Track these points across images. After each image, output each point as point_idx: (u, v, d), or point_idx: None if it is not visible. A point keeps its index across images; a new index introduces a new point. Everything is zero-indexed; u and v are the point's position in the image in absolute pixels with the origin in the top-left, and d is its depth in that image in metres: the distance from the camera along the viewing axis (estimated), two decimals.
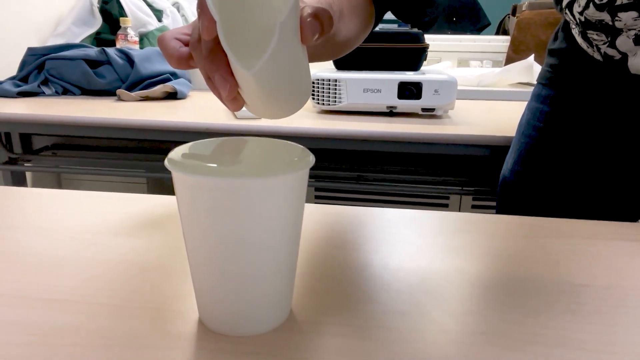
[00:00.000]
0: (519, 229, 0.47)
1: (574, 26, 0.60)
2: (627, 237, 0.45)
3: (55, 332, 0.30)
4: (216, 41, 0.29)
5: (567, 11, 0.57)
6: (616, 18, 0.51)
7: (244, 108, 0.34)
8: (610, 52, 0.56)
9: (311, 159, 0.29)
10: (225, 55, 0.29)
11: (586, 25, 0.56)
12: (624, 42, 0.54)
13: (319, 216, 0.49)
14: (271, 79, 0.29)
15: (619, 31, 0.53)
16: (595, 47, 0.58)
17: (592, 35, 0.56)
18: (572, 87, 0.63)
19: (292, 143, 0.31)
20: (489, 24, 2.24)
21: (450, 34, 1.89)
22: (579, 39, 0.60)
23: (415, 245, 0.43)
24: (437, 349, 0.29)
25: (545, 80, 0.68)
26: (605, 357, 0.28)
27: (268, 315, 0.30)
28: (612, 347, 0.29)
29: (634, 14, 0.49)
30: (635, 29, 0.51)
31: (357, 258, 0.40)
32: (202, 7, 0.27)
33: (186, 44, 0.34)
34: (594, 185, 0.63)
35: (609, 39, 0.55)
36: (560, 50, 0.66)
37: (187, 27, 0.36)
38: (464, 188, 1.14)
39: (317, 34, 0.30)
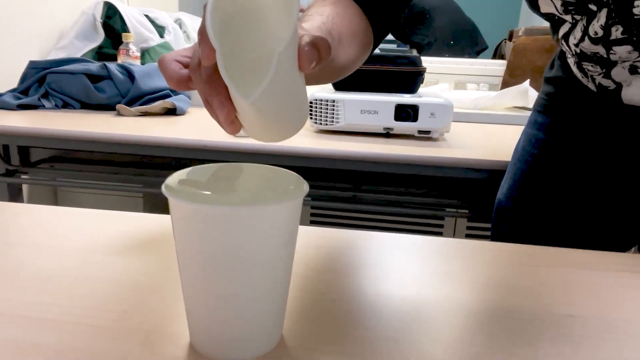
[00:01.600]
0: (511, 257, 0.47)
1: (569, 56, 0.62)
2: (617, 267, 0.46)
3: (42, 352, 0.30)
4: (215, 67, 0.30)
5: (563, 42, 0.59)
6: (611, 51, 0.52)
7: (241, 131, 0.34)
8: (605, 82, 0.57)
9: (305, 187, 0.29)
10: (224, 85, 0.30)
11: (582, 57, 0.57)
12: (619, 72, 0.55)
13: (312, 239, 0.49)
14: (269, 108, 0.30)
15: (614, 63, 0.54)
16: (589, 78, 0.59)
17: (587, 66, 0.58)
18: (567, 116, 0.64)
19: (288, 171, 0.32)
20: (487, 48, 2.28)
21: (448, 56, 1.92)
22: (574, 69, 0.61)
23: (407, 271, 0.43)
24: None
25: (541, 108, 0.69)
26: None
27: (259, 340, 0.30)
28: None
29: (628, 47, 0.51)
30: (630, 61, 0.53)
31: (349, 283, 0.40)
32: (202, 34, 0.28)
33: (186, 66, 0.35)
34: (588, 214, 0.64)
35: (604, 70, 0.56)
36: (557, 78, 0.67)
37: (187, 50, 0.37)
38: (458, 210, 1.15)
39: (315, 63, 0.30)
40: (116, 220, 0.52)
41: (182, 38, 1.80)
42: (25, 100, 1.13)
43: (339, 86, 1.13)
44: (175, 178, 0.29)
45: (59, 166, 1.33)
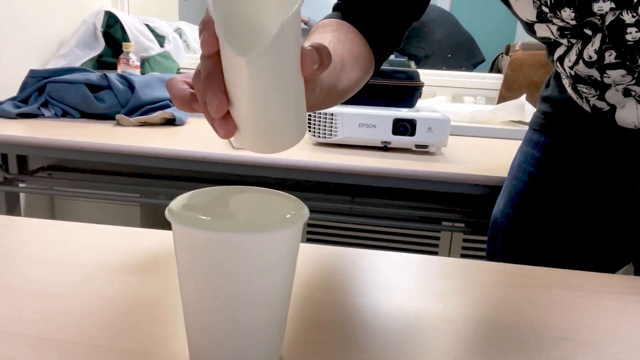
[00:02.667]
0: (506, 278, 0.48)
1: (564, 77, 0.63)
2: (611, 289, 0.47)
3: None
4: (215, 64, 0.30)
5: (558, 64, 0.60)
6: (605, 75, 0.53)
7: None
8: (599, 104, 0.58)
9: (305, 212, 0.30)
10: (221, 75, 0.30)
11: (576, 79, 0.58)
12: (613, 95, 0.56)
13: (310, 257, 0.50)
14: (265, 81, 0.28)
15: (608, 86, 0.55)
16: (584, 99, 0.60)
17: (582, 88, 0.59)
18: (564, 135, 0.65)
19: (289, 195, 0.32)
20: (484, 60, 2.30)
21: (446, 69, 1.94)
22: (569, 90, 0.63)
23: (404, 291, 0.44)
24: None
25: (538, 127, 0.70)
26: None
27: None
28: None
29: (622, 71, 0.52)
30: (623, 84, 0.54)
31: (347, 302, 0.41)
32: (204, 24, 0.29)
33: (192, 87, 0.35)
34: (583, 233, 0.64)
35: (598, 93, 0.57)
36: (552, 98, 0.68)
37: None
38: (454, 225, 1.16)
39: (317, 65, 0.31)
40: (117, 236, 0.52)
41: (182, 47, 1.81)
42: (24, 109, 1.14)
43: None
44: (178, 202, 0.29)
45: (56, 175, 1.34)
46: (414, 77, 1.09)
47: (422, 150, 1.02)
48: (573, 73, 0.57)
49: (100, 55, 1.55)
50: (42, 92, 1.18)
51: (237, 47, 0.27)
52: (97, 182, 1.24)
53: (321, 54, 0.31)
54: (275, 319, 0.30)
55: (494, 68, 1.86)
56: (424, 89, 1.22)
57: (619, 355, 0.36)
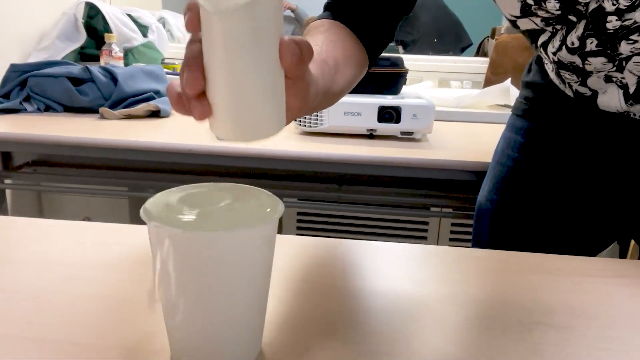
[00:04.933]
0: (494, 264, 0.49)
1: (547, 62, 0.63)
2: (590, 272, 0.48)
3: None
4: (198, 49, 0.30)
5: (541, 50, 0.60)
6: (586, 62, 0.54)
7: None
8: (582, 89, 0.59)
9: (280, 208, 0.30)
10: (201, 57, 0.30)
11: (559, 65, 0.59)
12: (595, 81, 0.57)
13: (294, 249, 0.50)
14: (238, 45, 0.28)
15: (590, 73, 0.56)
16: (567, 84, 0.61)
17: (565, 74, 0.59)
18: (546, 120, 0.66)
19: (264, 191, 0.32)
20: (471, 44, 2.29)
21: (432, 54, 1.94)
22: (552, 75, 0.63)
23: (387, 279, 0.44)
24: None
25: (521, 112, 0.70)
26: None
27: (238, 355, 0.31)
28: None
29: (602, 59, 0.52)
30: (604, 71, 0.54)
31: (329, 293, 0.42)
32: (189, 5, 0.29)
33: None
34: (567, 217, 0.66)
35: (580, 79, 0.58)
36: (534, 83, 0.68)
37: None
38: (442, 210, 1.17)
39: (297, 58, 0.31)
40: (101, 232, 0.52)
41: (165, 37, 1.79)
42: (6, 105, 1.12)
43: None
44: (154, 200, 0.30)
45: (42, 170, 1.33)
46: (398, 63, 1.09)
47: (407, 137, 1.03)
48: (556, 59, 0.58)
49: (82, 47, 1.53)
50: (23, 87, 1.16)
51: None
52: (84, 177, 1.23)
53: (301, 48, 0.31)
54: (255, 312, 0.31)
55: (480, 52, 1.86)
56: (410, 74, 1.22)
57: (610, 338, 0.37)
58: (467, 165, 0.90)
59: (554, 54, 0.57)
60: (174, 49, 1.83)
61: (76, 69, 1.16)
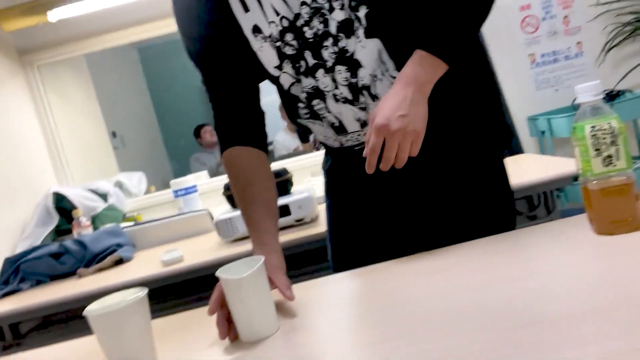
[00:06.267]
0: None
1: (302, 107, 0.79)
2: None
3: None
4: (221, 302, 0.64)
5: (291, 96, 0.78)
6: (316, 78, 0.74)
7: None
8: (330, 118, 0.77)
9: (141, 294, 0.64)
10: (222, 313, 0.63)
11: (309, 97, 0.76)
12: (332, 104, 0.75)
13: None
14: (249, 293, 0.60)
15: (325, 94, 0.75)
16: (323, 119, 0.78)
17: (316, 105, 0.77)
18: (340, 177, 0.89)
19: (138, 288, 0.67)
20: None
21: None
22: (307, 119, 0.80)
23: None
24: None
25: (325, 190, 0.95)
26: None
27: None
28: None
29: (321, 70, 0.73)
30: (330, 89, 0.74)
31: None
32: (216, 290, 0.65)
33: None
34: (386, 230, 0.84)
35: (324, 104, 0.76)
36: (330, 168, 0.91)
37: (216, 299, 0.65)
38: None
39: (289, 286, 0.66)
40: None
41: (122, 197, 2.17)
42: (8, 289, 1.47)
43: (235, 203, 1.51)
44: (96, 303, 0.63)
45: (45, 332, 1.62)
46: (282, 173, 1.48)
47: (300, 223, 1.39)
48: (305, 93, 0.76)
49: (57, 226, 1.91)
50: (17, 271, 1.52)
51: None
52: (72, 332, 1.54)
53: (289, 288, 0.66)
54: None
55: None
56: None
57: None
58: None
59: (302, 90, 0.76)
60: (132, 203, 2.21)
61: (54, 247, 1.53)
